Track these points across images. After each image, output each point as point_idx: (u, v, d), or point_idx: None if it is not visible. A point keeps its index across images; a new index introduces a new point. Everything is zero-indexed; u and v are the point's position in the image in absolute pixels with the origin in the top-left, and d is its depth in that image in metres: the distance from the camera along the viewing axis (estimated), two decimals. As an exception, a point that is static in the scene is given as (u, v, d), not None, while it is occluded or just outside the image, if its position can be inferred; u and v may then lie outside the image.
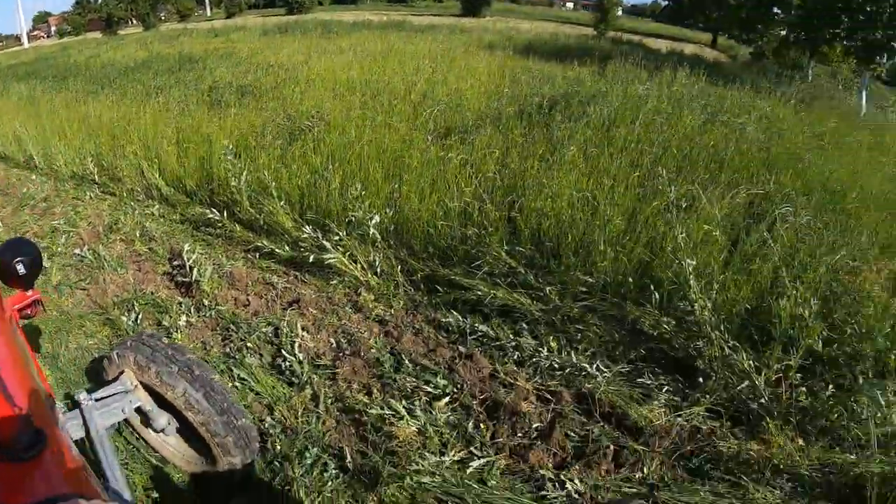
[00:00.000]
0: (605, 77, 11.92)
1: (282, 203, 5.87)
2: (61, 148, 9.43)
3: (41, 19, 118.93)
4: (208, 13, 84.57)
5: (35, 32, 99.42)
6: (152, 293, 5.15)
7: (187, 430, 2.77)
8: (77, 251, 6.09)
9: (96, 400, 2.50)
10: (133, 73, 17.21)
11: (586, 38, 24.96)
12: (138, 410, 2.69)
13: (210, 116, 8.99)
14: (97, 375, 3.29)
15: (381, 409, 3.56)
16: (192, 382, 2.53)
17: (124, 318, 4.72)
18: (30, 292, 2.60)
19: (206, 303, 4.89)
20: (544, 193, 5.25)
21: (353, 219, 5.34)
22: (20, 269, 2.32)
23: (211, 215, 6.19)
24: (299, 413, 3.66)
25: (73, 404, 2.51)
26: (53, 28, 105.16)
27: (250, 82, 11.90)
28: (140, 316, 4.73)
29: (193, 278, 5.04)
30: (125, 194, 7.62)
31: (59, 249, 6.25)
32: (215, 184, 6.85)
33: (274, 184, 5.97)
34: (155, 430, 2.81)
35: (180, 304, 4.90)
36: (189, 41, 28.65)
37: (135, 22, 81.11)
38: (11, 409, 1.42)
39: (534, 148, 6.62)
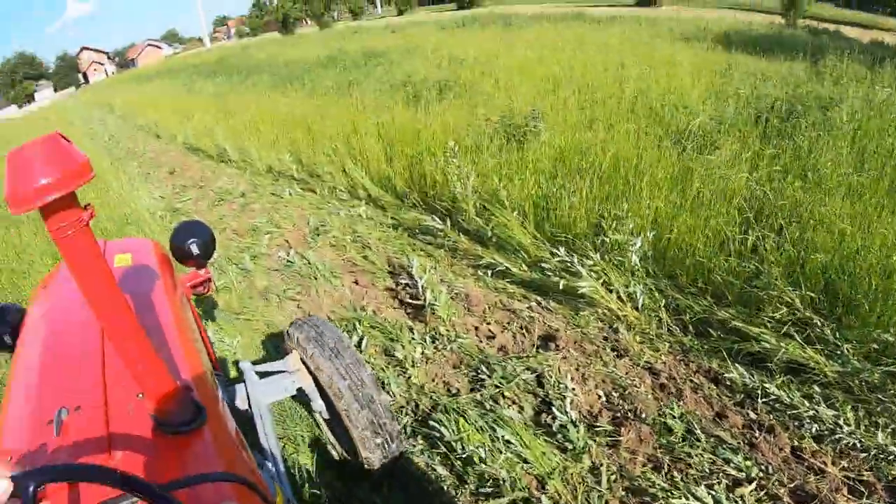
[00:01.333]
0: (822, 74, 10.09)
1: (515, 214, 4.99)
2: (255, 142, 9.20)
3: (220, 23, 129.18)
4: (379, 10, 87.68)
5: (215, 35, 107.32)
6: (375, 313, 4.43)
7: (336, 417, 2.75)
8: (282, 254, 5.57)
9: (261, 375, 2.65)
10: (319, 70, 17.33)
11: (777, 26, 22.26)
12: (300, 391, 2.74)
13: (413, 113, 8.34)
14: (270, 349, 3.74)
15: (683, 498, 2.70)
16: (343, 373, 2.50)
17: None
18: (202, 271, 2.71)
19: (443, 331, 4.09)
20: (819, 222, 4.10)
21: (608, 240, 4.39)
22: (194, 249, 2.49)
23: (431, 223, 5.43)
24: (579, 492, 2.79)
25: (239, 373, 2.72)
26: (233, 30, 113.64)
27: (446, 77, 11.26)
28: (365, 340, 4.01)
29: (427, 301, 4.25)
30: (326, 192, 7.11)
31: (262, 251, 5.74)
32: (429, 186, 6.11)
33: (505, 192, 5.10)
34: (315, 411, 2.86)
35: (411, 329, 4.14)
36: (367, 37, 29.07)
37: (309, 21, 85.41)
38: (176, 383, 1.42)
39: (786, 162, 5.37)
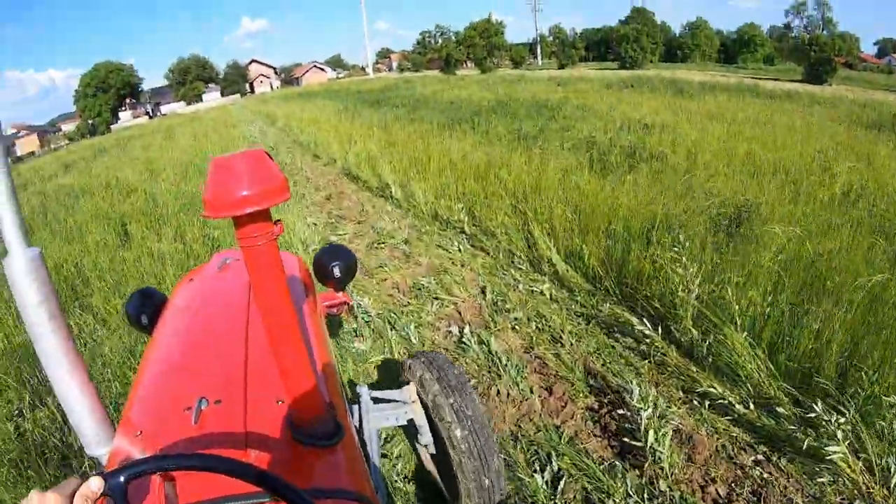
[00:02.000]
0: None
1: (744, 335, 3.91)
2: (421, 183, 8.58)
3: (383, 55, 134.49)
4: (539, 62, 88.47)
5: (378, 65, 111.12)
6: (573, 440, 3.46)
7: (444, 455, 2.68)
8: (454, 330, 4.71)
9: (375, 401, 2.74)
10: (489, 114, 16.83)
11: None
12: (410, 422, 2.74)
13: (601, 180, 7.39)
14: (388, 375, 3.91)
15: None
16: (461, 419, 2.47)
17: (537, 478, 3.07)
18: (340, 294, 2.82)
19: (664, 487, 3.06)
20: None
21: (864, 392, 3.31)
22: (336, 272, 2.60)
23: (636, 324, 4.42)
24: None
25: (353, 394, 2.88)
26: (395, 63, 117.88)
27: (633, 144, 10.27)
28: (563, 481, 3.06)
29: (648, 443, 3.24)
30: (502, 256, 6.25)
31: (429, 318, 4.93)
32: (630, 274, 5.12)
33: (737, 307, 4.03)
34: (421, 445, 2.83)
35: (623, 476, 3.13)
36: (532, 87, 28.59)
37: (469, 64, 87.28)
38: (321, 398, 1.48)
39: None
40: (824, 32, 53.25)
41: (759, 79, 41.34)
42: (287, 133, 20.98)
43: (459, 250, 6.56)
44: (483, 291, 5.45)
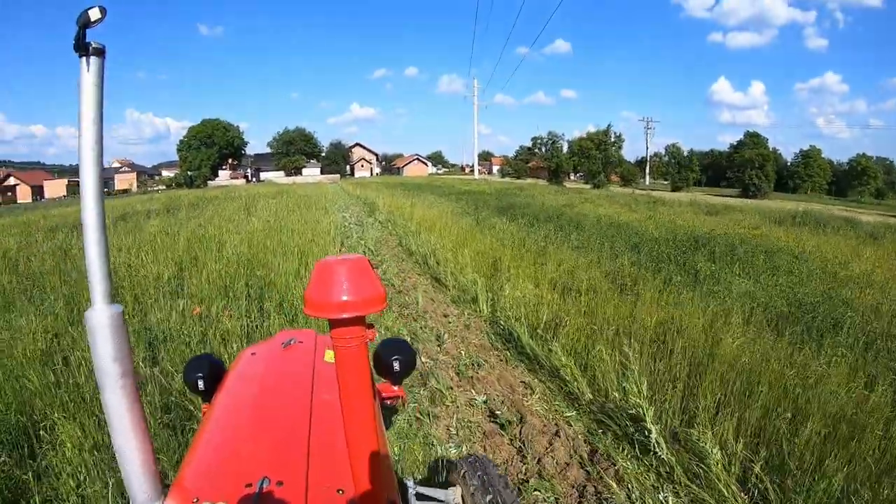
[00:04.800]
0: None
1: None
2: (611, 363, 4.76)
3: (484, 157, 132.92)
4: (647, 181, 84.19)
5: (478, 167, 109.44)
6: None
7: None
8: None
9: (418, 497, 2.59)
10: (654, 246, 12.46)
11: None
12: None
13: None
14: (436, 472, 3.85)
15: None
16: None
17: None
18: (396, 387, 2.76)
19: None
20: None
21: None
22: (395, 366, 2.48)
23: None
24: None
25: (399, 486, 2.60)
26: (496, 167, 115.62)
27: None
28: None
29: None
30: None
31: None
32: None
33: None
34: None
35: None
36: (671, 212, 24.08)
37: (573, 176, 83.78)
38: (385, 492, 1.51)
39: None
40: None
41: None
42: (390, 230, 16.50)
43: None
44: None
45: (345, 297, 1.20)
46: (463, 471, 2.69)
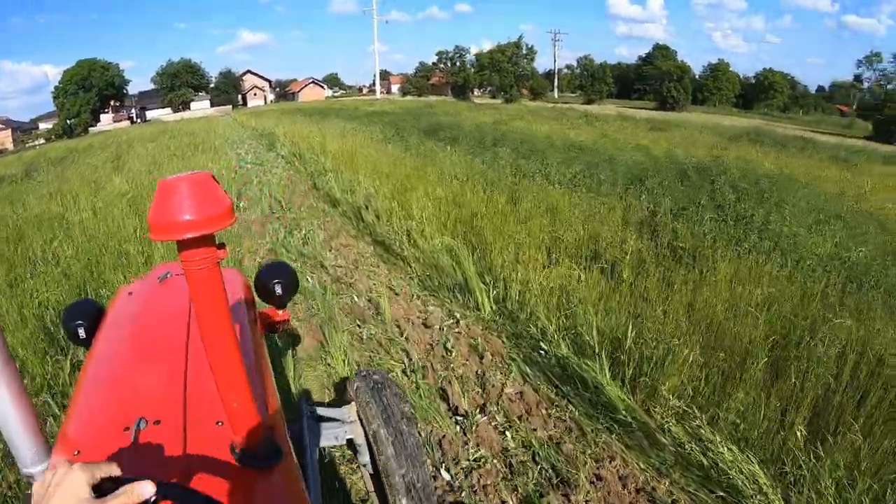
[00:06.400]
0: None
1: None
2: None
3: (382, 77, 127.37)
4: (555, 95, 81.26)
5: (373, 88, 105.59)
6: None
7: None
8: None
9: (316, 419, 2.66)
10: (661, 180, 9.86)
11: None
12: (350, 441, 2.72)
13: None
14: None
15: None
16: (388, 429, 2.38)
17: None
18: (281, 312, 2.67)
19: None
20: None
21: None
22: (278, 289, 2.46)
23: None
24: None
25: (294, 411, 2.87)
26: (395, 87, 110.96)
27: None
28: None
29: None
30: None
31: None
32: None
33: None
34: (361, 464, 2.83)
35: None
36: (607, 127, 22.03)
37: (477, 91, 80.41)
38: (260, 418, 1.43)
39: None
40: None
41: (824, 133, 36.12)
42: (297, 168, 13.01)
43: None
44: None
45: (188, 217, 1.07)
46: (358, 386, 2.60)
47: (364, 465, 2.75)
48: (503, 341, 4.60)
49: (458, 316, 4.95)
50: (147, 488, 0.86)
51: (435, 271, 5.78)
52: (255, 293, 2.62)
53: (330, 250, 6.86)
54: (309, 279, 5.80)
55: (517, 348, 4.47)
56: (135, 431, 1.43)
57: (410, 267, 6.10)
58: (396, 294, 5.51)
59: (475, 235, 6.28)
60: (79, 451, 1.41)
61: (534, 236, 6.12)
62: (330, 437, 2.63)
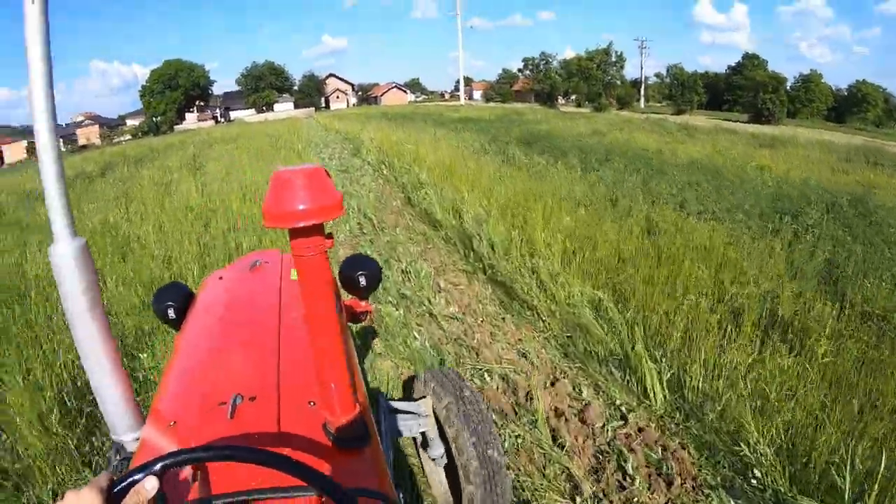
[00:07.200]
0: None
1: None
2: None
3: (464, 83, 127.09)
4: (642, 105, 78.54)
5: (456, 93, 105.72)
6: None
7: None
8: None
9: (391, 411, 2.68)
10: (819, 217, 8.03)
11: None
12: (423, 434, 2.74)
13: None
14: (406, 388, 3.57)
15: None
16: (470, 430, 2.44)
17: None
18: (363, 303, 2.71)
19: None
20: None
21: None
22: (361, 281, 2.45)
23: None
24: None
25: (374, 402, 2.72)
26: (477, 93, 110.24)
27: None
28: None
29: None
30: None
31: None
32: None
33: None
34: (430, 458, 2.81)
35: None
36: (717, 142, 20.41)
37: (562, 100, 78.67)
38: (355, 402, 1.46)
39: None
40: None
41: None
42: (387, 177, 11.85)
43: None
44: None
45: (301, 206, 1.14)
46: (431, 383, 2.65)
47: (434, 460, 2.76)
48: (689, 454, 3.26)
49: (623, 409, 3.61)
50: (151, 482, 0.88)
51: (578, 332, 4.42)
52: (339, 284, 2.54)
53: (439, 291, 5.51)
54: (416, 336, 4.47)
55: (712, 467, 3.12)
56: (231, 406, 1.46)
57: (543, 321, 4.72)
58: (534, 365, 4.15)
59: (624, 284, 4.90)
60: (174, 422, 1.46)
61: (699, 288, 4.71)
62: (406, 429, 2.64)
